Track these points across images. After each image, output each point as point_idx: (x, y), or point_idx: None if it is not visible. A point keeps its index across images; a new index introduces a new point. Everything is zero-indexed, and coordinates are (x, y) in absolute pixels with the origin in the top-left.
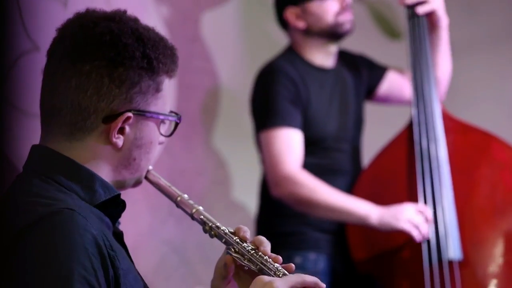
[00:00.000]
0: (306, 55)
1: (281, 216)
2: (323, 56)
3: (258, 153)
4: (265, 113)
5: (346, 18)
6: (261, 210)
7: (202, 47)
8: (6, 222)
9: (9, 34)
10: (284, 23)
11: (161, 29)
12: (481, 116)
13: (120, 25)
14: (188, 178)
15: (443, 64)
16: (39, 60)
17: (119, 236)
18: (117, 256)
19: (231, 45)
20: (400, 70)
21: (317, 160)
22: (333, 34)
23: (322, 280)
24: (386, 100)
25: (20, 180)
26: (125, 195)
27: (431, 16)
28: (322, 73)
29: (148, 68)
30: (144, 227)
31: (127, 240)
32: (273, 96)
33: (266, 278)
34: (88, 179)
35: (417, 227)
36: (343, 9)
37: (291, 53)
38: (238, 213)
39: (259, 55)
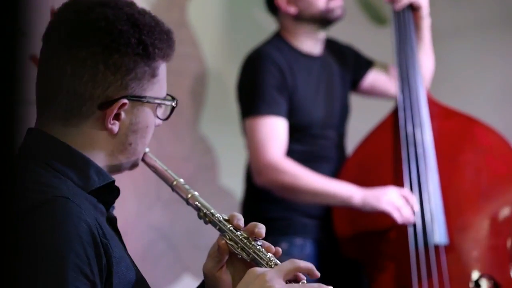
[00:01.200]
0: (294, 41)
1: (267, 201)
2: (312, 43)
3: (244, 138)
4: (251, 100)
5: (337, 4)
6: (246, 195)
7: (189, 33)
8: (1, 209)
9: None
10: (273, 8)
11: None
12: (465, 102)
13: (115, 11)
14: (175, 164)
15: (424, 63)
16: (25, 46)
17: (112, 221)
18: (110, 244)
19: (218, 30)
20: (385, 66)
21: (303, 147)
22: (324, 20)
23: None
24: (369, 93)
25: (15, 165)
26: None
27: (415, 14)
28: (310, 60)
29: (143, 54)
30: (131, 212)
31: None
32: (259, 83)
33: (259, 270)
34: (83, 165)
35: (398, 210)
36: None
37: (279, 40)
38: (225, 199)
39: (245, 40)
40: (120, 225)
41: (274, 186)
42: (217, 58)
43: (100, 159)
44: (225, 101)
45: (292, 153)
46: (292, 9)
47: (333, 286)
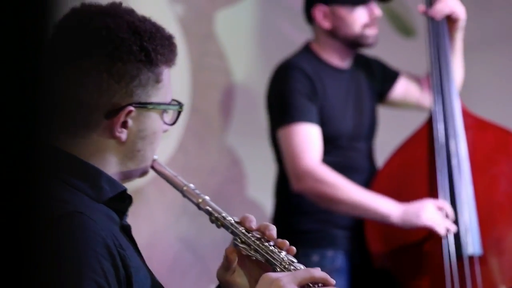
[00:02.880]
0: (323, 54)
1: (298, 214)
2: (340, 58)
3: (272, 150)
4: (283, 109)
5: (372, 33)
6: (277, 208)
7: (216, 45)
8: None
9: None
10: (308, 17)
11: (175, 27)
12: (497, 113)
13: (116, 19)
14: (202, 176)
15: (456, 72)
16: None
17: (126, 229)
18: (127, 254)
19: (246, 42)
20: (415, 76)
21: (332, 158)
22: (356, 43)
23: (340, 277)
24: (401, 105)
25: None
26: (140, 193)
27: (451, 25)
28: (338, 72)
29: (146, 60)
30: (158, 224)
31: (141, 237)
32: (290, 92)
33: (273, 275)
34: (94, 176)
35: (439, 223)
36: (371, 22)
37: (308, 52)
38: (253, 211)
39: (273, 52)
40: (147, 237)
41: (312, 194)
42: (245, 70)
43: (110, 168)
44: (253, 113)
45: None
46: (326, 24)
47: None
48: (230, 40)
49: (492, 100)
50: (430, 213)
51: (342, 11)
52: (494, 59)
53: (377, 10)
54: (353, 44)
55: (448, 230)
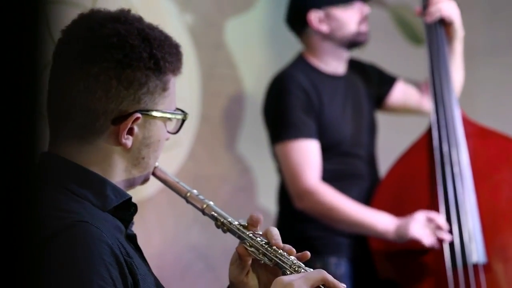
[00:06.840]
0: (318, 62)
1: (301, 221)
2: (336, 63)
3: (274, 162)
4: (280, 125)
5: (366, 29)
6: (280, 215)
7: (226, 54)
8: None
9: (37, 44)
10: (298, 27)
11: (185, 36)
12: (501, 121)
13: (127, 26)
14: (212, 185)
15: (455, 75)
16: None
17: (132, 239)
18: (134, 262)
19: (255, 51)
20: (415, 82)
21: (333, 166)
22: (353, 42)
23: None
24: (400, 110)
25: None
26: (151, 201)
27: (447, 28)
28: (334, 80)
29: (155, 68)
30: (169, 233)
31: (152, 246)
32: (285, 107)
33: (285, 279)
34: (99, 185)
35: (427, 235)
36: (363, 19)
37: (302, 62)
38: (263, 219)
39: (283, 61)
40: (158, 246)
41: (313, 212)
42: (254, 79)
43: (116, 175)
44: (262, 121)
45: (322, 172)
46: (324, 28)
47: None
48: (240, 49)
49: (499, 107)
50: (418, 226)
51: (337, 12)
52: (502, 67)
53: (366, 8)
54: (350, 43)
55: (443, 240)
